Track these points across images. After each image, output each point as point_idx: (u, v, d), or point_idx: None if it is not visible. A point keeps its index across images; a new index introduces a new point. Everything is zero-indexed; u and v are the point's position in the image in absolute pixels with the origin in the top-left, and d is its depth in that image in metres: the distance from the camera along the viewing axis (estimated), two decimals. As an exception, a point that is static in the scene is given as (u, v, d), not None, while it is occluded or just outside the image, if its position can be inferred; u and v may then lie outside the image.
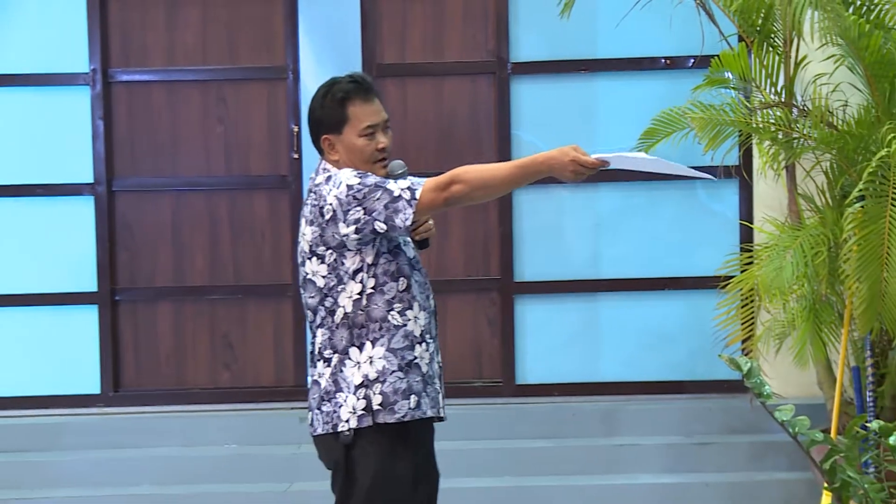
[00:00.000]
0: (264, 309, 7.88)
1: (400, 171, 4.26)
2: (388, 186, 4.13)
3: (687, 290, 7.70)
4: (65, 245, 7.87)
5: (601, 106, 7.77)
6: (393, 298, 4.22)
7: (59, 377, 7.87)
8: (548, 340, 7.81)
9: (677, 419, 7.43)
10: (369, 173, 4.21)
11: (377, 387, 4.18)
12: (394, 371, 4.19)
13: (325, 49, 9.09)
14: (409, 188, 4.11)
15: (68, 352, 7.88)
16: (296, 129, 7.76)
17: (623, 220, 7.71)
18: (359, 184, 4.14)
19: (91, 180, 7.82)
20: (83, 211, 7.84)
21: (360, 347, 4.21)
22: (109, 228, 7.81)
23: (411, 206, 4.09)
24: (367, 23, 7.80)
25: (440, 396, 4.31)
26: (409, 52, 7.82)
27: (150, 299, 7.90)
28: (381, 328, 4.21)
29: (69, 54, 7.83)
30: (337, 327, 4.22)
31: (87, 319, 7.85)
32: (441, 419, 4.36)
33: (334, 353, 4.23)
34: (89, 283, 7.84)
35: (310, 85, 8.79)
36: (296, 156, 7.79)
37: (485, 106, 7.75)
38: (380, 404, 4.18)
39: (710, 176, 4.38)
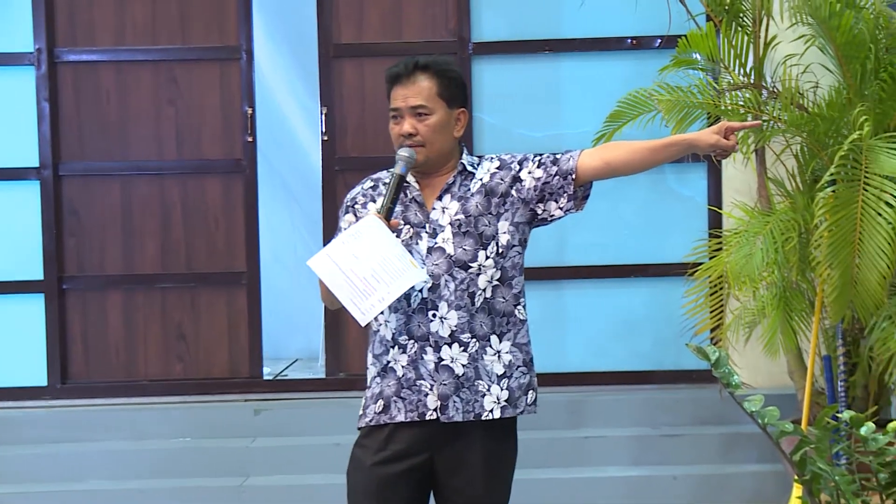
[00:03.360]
0: (218, 298, 7.72)
1: (400, 161, 4.11)
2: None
3: (654, 277, 7.61)
4: (9, 231, 7.69)
5: (565, 87, 7.66)
6: None
7: (3, 368, 7.70)
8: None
9: (644, 410, 7.37)
10: (344, 209, 4.31)
11: (367, 391, 4.24)
12: (374, 377, 4.21)
13: (280, 28, 8.96)
14: None
15: (13, 342, 7.71)
16: (250, 111, 7.60)
17: (588, 206, 7.47)
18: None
19: (36, 164, 7.64)
20: (28, 196, 7.66)
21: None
22: (56, 214, 7.65)
23: None
24: (322, 1, 7.63)
25: (428, 398, 4.11)
26: (366, 31, 7.67)
27: (98, 288, 7.73)
28: (371, 334, 4.25)
29: (13, 33, 7.64)
30: None
31: (32, 309, 7.68)
32: (436, 421, 4.14)
33: None
34: (35, 271, 7.67)
35: (264, 65, 8.66)
36: (250, 139, 7.63)
37: (446, 87, 7.57)
38: (363, 407, 4.23)
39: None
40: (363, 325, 3.98)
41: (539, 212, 4.18)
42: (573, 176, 4.12)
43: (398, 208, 4.15)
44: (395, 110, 4.17)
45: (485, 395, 4.12)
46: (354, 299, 3.92)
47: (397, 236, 4.08)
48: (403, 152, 4.10)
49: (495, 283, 4.14)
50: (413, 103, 4.15)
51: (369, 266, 3.92)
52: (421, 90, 4.16)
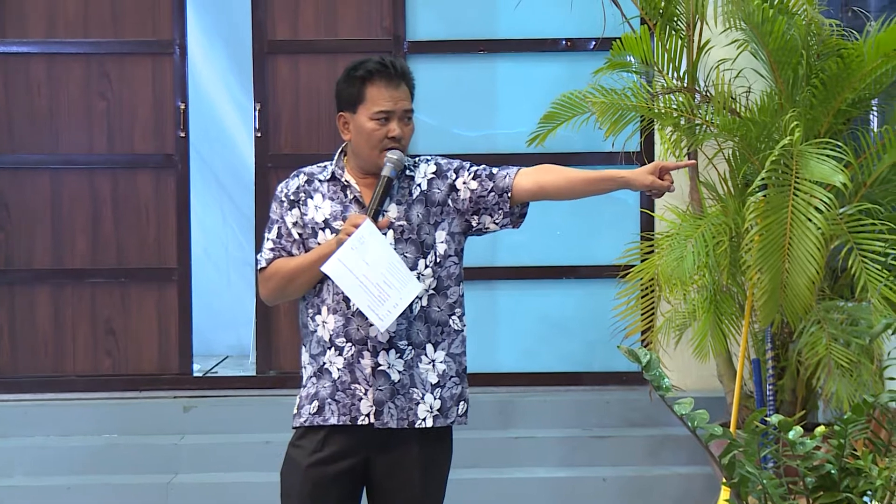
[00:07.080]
0: (148, 293, 7.66)
1: (389, 164, 4.07)
2: (266, 234, 4.25)
3: (585, 279, 7.62)
4: (-64, 224, 7.60)
5: (500, 87, 7.66)
6: (308, 304, 4.19)
7: (-72, 362, 7.61)
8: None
9: (574, 411, 7.36)
10: (282, 203, 4.23)
11: (301, 391, 4.22)
12: (310, 377, 4.18)
13: (214, 23, 8.90)
14: (260, 256, 4.25)
15: (-62, 336, 7.62)
16: (182, 106, 7.54)
17: (521, 206, 7.53)
18: (272, 207, 4.27)
19: (-35, 156, 7.57)
20: (-44, 188, 7.59)
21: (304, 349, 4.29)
22: (-16, 207, 7.56)
23: (257, 271, 4.26)
24: (257, -4, 7.61)
25: (362, 403, 4.09)
26: (301, 28, 7.61)
27: (27, 282, 7.64)
28: (306, 333, 4.22)
29: (-58, 24, 7.56)
30: None
31: (-41, 302, 7.62)
32: (369, 426, 4.11)
33: None
34: (-38, 265, 7.60)
35: (197, 60, 8.61)
36: (182, 134, 7.58)
37: (380, 86, 7.54)
38: (297, 407, 4.22)
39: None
40: (382, 330, 4.00)
41: (474, 224, 4.18)
42: (509, 195, 4.12)
43: (338, 209, 4.13)
44: (385, 112, 4.09)
45: (419, 403, 4.12)
46: (372, 305, 3.96)
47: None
48: (393, 155, 4.07)
49: (431, 291, 4.13)
50: (406, 107, 4.13)
51: (380, 272, 3.95)
52: (407, 95, 4.15)
